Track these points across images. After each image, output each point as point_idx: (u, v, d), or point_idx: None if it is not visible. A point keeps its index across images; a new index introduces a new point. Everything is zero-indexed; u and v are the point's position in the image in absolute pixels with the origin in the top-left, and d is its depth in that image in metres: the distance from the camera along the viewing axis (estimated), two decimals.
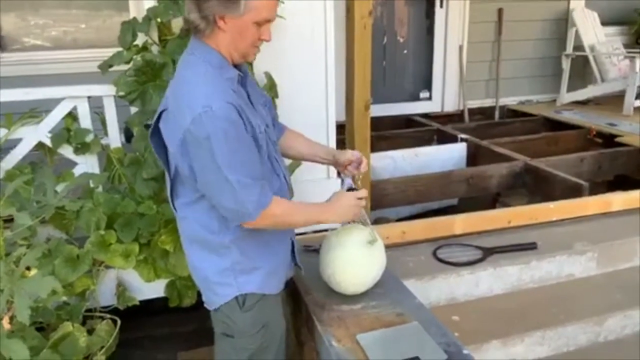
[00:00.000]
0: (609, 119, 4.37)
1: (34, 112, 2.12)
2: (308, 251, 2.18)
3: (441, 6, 4.74)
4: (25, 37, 3.73)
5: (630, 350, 2.24)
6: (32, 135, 2.11)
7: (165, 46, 2.12)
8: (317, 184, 2.43)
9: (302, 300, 1.87)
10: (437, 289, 2.30)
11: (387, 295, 1.84)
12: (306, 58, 2.32)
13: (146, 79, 2.00)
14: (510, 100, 5.13)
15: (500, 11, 4.84)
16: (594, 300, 2.37)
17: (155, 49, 2.14)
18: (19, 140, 2.12)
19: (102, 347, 1.92)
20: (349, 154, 1.75)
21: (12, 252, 1.51)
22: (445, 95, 4.95)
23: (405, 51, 4.87)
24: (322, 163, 1.89)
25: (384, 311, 1.74)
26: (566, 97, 5.03)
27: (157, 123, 1.49)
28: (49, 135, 2.12)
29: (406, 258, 2.40)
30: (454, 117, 4.91)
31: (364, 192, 1.64)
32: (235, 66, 1.47)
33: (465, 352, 1.53)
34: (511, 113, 5.05)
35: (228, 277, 1.52)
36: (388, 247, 1.87)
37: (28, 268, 1.49)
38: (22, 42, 3.73)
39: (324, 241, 1.83)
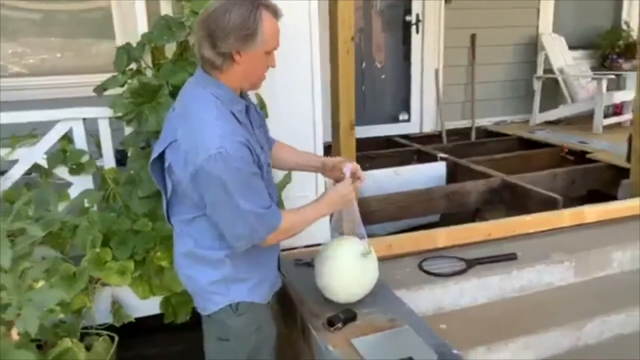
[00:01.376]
0: (579, 137, 4.58)
1: (32, 134, 2.17)
2: (299, 265, 2.25)
3: (417, 32, 4.94)
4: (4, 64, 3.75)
5: (610, 353, 2.34)
6: (28, 157, 2.15)
7: (159, 70, 2.20)
8: (307, 200, 2.49)
9: (298, 311, 1.94)
10: (424, 299, 2.37)
11: (379, 303, 1.91)
12: (293, 80, 2.42)
13: (142, 101, 2.07)
14: (485, 121, 5.31)
15: (473, 37, 5.06)
16: (573, 307, 2.48)
17: (149, 72, 2.22)
18: (14, 162, 2.16)
19: None
20: (338, 158, 1.85)
21: (14, 267, 1.55)
22: (423, 116, 5.12)
23: (383, 76, 5.04)
24: (312, 170, 1.97)
25: (376, 317, 1.82)
26: (538, 117, 5.24)
27: (161, 151, 1.54)
28: (45, 156, 2.17)
29: (393, 270, 2.47)
30: (433, 138, 5.06)
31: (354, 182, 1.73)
32: (240, 95, 1.55)
33: (454, 352, 1.61)
34: (487, 133, 5.22)
35: (220, 287, 1.59)
36: None
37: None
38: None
39: (320, 252, 1.91)
